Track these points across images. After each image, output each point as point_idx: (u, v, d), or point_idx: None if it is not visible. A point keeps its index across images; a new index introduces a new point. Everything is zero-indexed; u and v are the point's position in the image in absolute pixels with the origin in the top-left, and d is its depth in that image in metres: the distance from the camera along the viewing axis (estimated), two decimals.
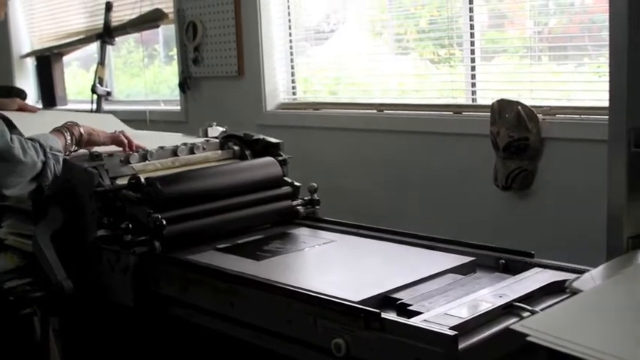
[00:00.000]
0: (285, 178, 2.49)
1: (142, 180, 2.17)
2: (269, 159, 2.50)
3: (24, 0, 5.98)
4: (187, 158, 2.49)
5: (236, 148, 2.60)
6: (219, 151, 2.58)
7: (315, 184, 2.49)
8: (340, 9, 4.12)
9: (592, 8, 3.15)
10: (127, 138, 2.39)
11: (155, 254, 2.08)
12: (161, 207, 2.15)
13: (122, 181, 2.23)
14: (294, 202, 2.47)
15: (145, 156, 2.39)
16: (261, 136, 2.61)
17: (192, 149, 2.52)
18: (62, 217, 2.21)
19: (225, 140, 2.64)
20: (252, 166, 2.48)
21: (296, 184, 2.49)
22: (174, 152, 2.48)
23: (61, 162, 2.15)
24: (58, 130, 2.25)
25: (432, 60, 3.73)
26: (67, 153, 2.24)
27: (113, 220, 2.14)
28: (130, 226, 2.09)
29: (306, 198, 2.49)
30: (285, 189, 2.47)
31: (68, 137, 2.24)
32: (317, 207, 2.51)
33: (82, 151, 2.30)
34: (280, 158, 2.52)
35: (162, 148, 2.46)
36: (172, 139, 2.67)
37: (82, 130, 2.29)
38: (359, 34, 4.03)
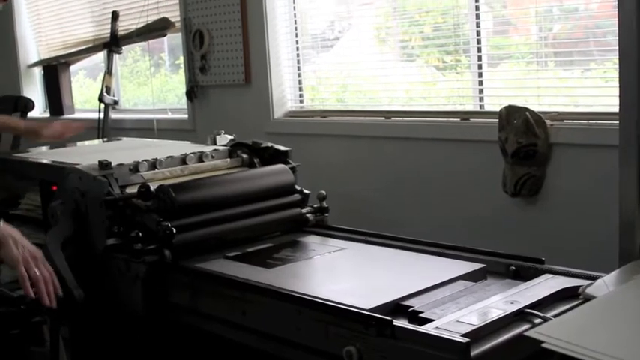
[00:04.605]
0: (295, 186, 2.50)
1: (152, 188, 2.17)
2: (281, 166, 2.50)
3: (31, 10, 6.01)
4: (196, 166, 2.50)
5: (245, 156, 2.60)
6: (228, 160, 2.59)
7: (324, 192, 2.49)
8: (345, 16, 4.12)
9: (596, 13, 3.15)
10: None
11: (165, 263, 2.08)
12: (174, 215, 2.15)
13: (132, 190, 2.23)
14: (304, 210, 2.47)
15: (154, 165, 2.40)
16: (270, 144, 2.61)
17: (200, 157, 2.52)
18: (72, 225, 2.22)
19: (233, 148, 2.64)
20: (262, 173, 2.48)
21: (305, 191, 2.49)
22: (184, 161, 2.48)
23: None
24: None
25: (437, 67, 3.73)
26: None
27: (123, 229, 2.15)
28: (140, 234, 2.09)
29: (315, 206, 2.49)
30: (295, 197, 2.47)
31: None
32: (326, 214, 2.50)
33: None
34: (289, 166, 2.52)
35: (170, 157, 2.46)
36: (180, 147, 2.67)
37: None
38: (364, 41, 4.03)
